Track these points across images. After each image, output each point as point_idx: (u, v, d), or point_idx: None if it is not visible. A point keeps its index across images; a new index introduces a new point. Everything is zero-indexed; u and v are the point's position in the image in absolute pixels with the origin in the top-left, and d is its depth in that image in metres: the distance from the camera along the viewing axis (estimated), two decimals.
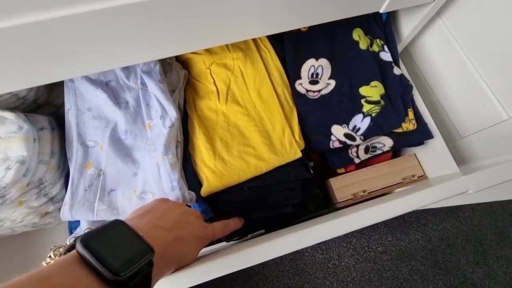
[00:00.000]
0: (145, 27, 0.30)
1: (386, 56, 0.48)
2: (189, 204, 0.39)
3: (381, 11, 0.39)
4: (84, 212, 0.38)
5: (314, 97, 0.46)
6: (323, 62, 0.47)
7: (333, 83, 0.46)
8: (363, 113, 0.45)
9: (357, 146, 0.47)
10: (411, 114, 0.46)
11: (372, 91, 0.46)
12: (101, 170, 0.40)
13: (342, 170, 0.49)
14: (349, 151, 0.47)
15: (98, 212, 0.38)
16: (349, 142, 0.45)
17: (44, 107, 0.46)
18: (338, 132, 0.45)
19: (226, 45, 0.47)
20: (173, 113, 0.41)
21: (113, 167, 0.40)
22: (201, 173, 0.41)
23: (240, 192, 0.42)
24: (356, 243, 0.82)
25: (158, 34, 0.32)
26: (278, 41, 0.48)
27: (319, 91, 0.46)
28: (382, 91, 0.46)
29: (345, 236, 0.83)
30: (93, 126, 0.42)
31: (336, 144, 0.45)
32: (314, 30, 0.47)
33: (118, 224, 0.23)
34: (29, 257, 0.62)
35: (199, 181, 0.42)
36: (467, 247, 0.80)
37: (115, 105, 0.42)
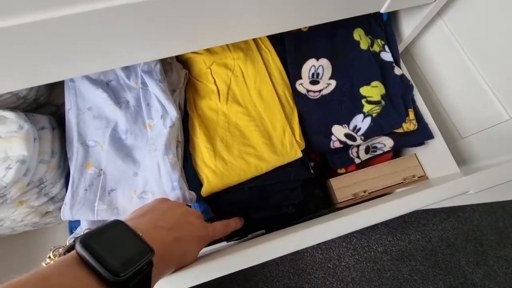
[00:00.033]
0: (145, 27, 0.30)
1: (387, 56, 0.48)
2: (189, 204, 0.39)
3: (382, 11, 0.39)
4: (84, 212, 0.38)
5: (314, 97, 0.46)
6: (324, 62, 0.47)
7: (333, 83, 0.46)
8: (363, 113, 0.45)
9: (358, 146, 0.47)
10: (411, 114, 0.46)
11: (373, 91, 0.46)
12: (101, 169, 0.40)
13: (343, 170, 0.49)
14: (350, 151, 0.47)
15: (99, 212, 0.38)
16: (349, 142, 0.45)
17: (45, 106, 0.46)
18: (338, 132, 0.45)
19: (227, 45, 0.47)
20: (173, 113, 0.41)
21: (114, 167, 0.40)
22: (201, 173, 0.41)
23: (240, 192, 0.41)
24: (356, 243, 0.82)
25: (158, 33, 0.32)
26: (278, 41, 0.48)
27: (320, 91, 0.46)
28: (383, 91, 0.46)
29: (345, 236, 0.83)
30: (94, 125, 0.42)
31: (337, 144, 0.45)
32: (315, 30, 0.47)
33: (117, 224, 0.23)
34: (29, 257, 0.62)
35: (200, 181, 0.42)
36: (467, 248, 0.80)
37: (115, 104, 0.42)
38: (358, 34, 0.48)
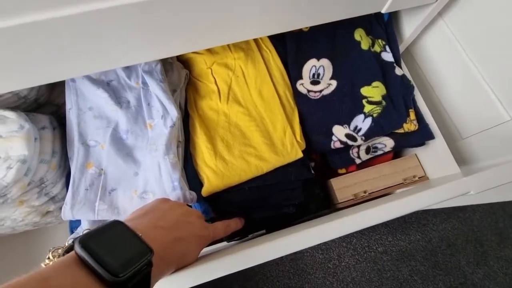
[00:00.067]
0: (146, 27, 0.30)
1: (387, 56, 0.48)
2: (190, 204, 0.39)
3: (383, 11, 0.39)
4: (85, 212, 0.38)
5: (315, 98, 0.46)
6: (325, 62, 0.47)
7: (334, 83, 0.46)
8: (364, 113, 0.45)
9: (358, 146, 0.47)
10: (412, 115, 0.46)
11: (374, 91, 0.46)
12: (102, 169, 0.40)
13: (343, 171, 0.49)
14: (350, 152, 0.47)
15: (99, 212, 0.38)
16: (350, 142, 0.45)
17: (45, 106, 0.46)
18: (339, 132, 0.45)
19: (228, 45, 0.47)
20: (174, 113, 0.41)
21: (114, 167, 0.40)
22: (202, 173, 0.41)
23: (241, 192, 0.41)
24: (356, 243, 0.82)
25: (159, 34, 0.32)
26: (279, 41, 0.48)
27: (321, 91, 0.46)
28: (384, 91, 0.46)
29: (345, 236, 0.83)
30: (94, 125, 0.42)
31: (337, 145, 0.45)
32: (316, 30, 0.47)
33: (117, 225, 0.23)
34: (30, 256, 0.62)
35: (200, 181, 0.42)
36: (468, 248, 0.80)
37: (116, 104, 0.42)
38: (359, 34, 0.48)
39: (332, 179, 0.48)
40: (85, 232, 0.22)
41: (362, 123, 0.45)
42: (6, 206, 0.40)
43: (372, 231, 0.83)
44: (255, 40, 0.48)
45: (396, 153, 0.53)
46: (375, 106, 0.45)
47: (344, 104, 0.45)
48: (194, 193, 0.40)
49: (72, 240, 0.21)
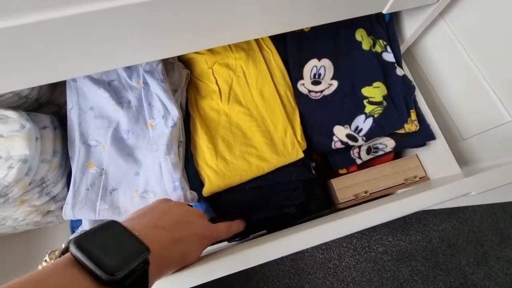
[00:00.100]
0: (147, 27, 0.30)
1: (388, 56, 0.48)
2: (190, 204, 0.39)
3: (384, 11, 0.39)
4: (86, 211, 0.38)
5: (316, 98, 0.46)
6: (326, 62, 0.47)
7: (335, 83, 0.46)
8: (365, 114, 0.45)
9: (359, 147, 0.47)
10: (413, 115, 0.46)
11: (375, 91, 0.45)
12: (103, 169, 0.40)
13: (344, 171, 0.49)
14: (351, 152, 0.47)
15: (100, 212, 0.39)
16: (351, 143, 0.45)
17: (47, 106, 0.46)
18: (340, 132, 0.45)
19: (229, 45, 0.47)
20: (175, 113, 0.41)
21: (115, 167, 0.40)
22: (203, 173, 0.41)
23: (242, 192, 0.41)
24: (356, 243, 0.82)
25: (160, 34, 0.32)
26: (280, 41, 0.48)
27: (322, 91, 0.46)
28: (385, 92, 0.46)
29: (346, 236, 0.82)
30: (95, 125, 0.42)
31: (338, 145, 0.45)
32: (317, 30, 0.47)
33: (112, 225, 0.23)
34: (31, 256, 0.62)
35: (201, 181, 0.42)
36: (468, 248, 0.80)
37: (117, 104, 0.42)
38: (360, 35, 0.48)
39: (333, 179, 0.48)
40: (81, 232, 0.22)
41: (363, 123, 0.45)
42: (7, 206, 0.40)
43: (373, 231, 0.83)
44: (256, 40, 0.48)
45: (397, 153, 0.53)
46: (376, 106, 0.45)
47: (345, 104, 0.45)
48: (195, 193, 0.40)
49: (67, 241, 0.21)
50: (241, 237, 0.47)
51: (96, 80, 0.42)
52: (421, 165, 0.49)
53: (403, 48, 0.50)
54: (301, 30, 0.47)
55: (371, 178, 0.48)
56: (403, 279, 0.79)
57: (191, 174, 0.42)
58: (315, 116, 0.45)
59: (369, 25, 0.49)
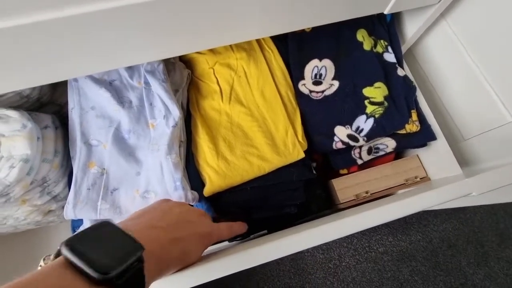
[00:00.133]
0: (148, 27, 0.30)
1: (390, 57, 0.48)
2: (191, 204, 0.39)
3: (385, 12, 0.39)
4: (87, 211, 0.38)
5: (317, 98, 0.46)
6: (327, 62, 0.47)
7: (336, 83, 0.46)
8: (366, 114, 0.45)
9: (360, 147, 0.47)
10: (414, 116, 0.46)
11: (376, 92, 0.45)
12: (104, 169, 0.40)
13: (345, 171, 0.49)
14: (352, 152, 0.47)
15: (101, 211, 0.39)
16: (352, 143, 0.45)
17: (48, 105, 0.46)
18: (341, 133, 0.45)
19: (230, 45, 0.47)
20: (176, 113, 0.41)
21: (116, 166, 0.41)
22: (204, 173, 0.41)
23: (243, 192, 0.42)
24: (357, 244, 0.82)
25: (161, 34, 0.32)
26: (282, 41, 0.48)
27: (323, 91, 0.46)
28: (386, 92, 0.46)
29: (346, 236, 0.82)
30: (97, 125, 0.42)
31: (339, 145, 0.45)
32: (318, 30, 0.47)
33: (105, 225, 0.23)
34: (31, 255, 0.62)
35: (202, 180, 0.42)
36: (468, 249, 0.80)
37: (118, 104, 0.42)
38: (361, 35, 0.48)
39: (334, 180, 0.48)
40: (73, 234, 0.22)
41: (364, 123, 0.45)
42: (9, 205, 0.40)
43: (373, 231, 0.83)
44: (258, 41, 0.48)
45: (398, 154, 0.53)
46: (377, 106, 0.45)
47: (346, 104, 0.45)
48: (196, 193, 0.40)
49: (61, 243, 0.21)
50: (241, 237, 0.47)
51: (98, 80, 0.42)
52: (422, 165, 0.49)
53: (404, 49, 0.50)
54: (302, 30, 0.47)
55: (372, 178, 0.48)
56: (403, 279, 0.79)
57: (192, 174, 0.42)
58: (316, 116, 0.45)
59: (371, 25, 0.49)
